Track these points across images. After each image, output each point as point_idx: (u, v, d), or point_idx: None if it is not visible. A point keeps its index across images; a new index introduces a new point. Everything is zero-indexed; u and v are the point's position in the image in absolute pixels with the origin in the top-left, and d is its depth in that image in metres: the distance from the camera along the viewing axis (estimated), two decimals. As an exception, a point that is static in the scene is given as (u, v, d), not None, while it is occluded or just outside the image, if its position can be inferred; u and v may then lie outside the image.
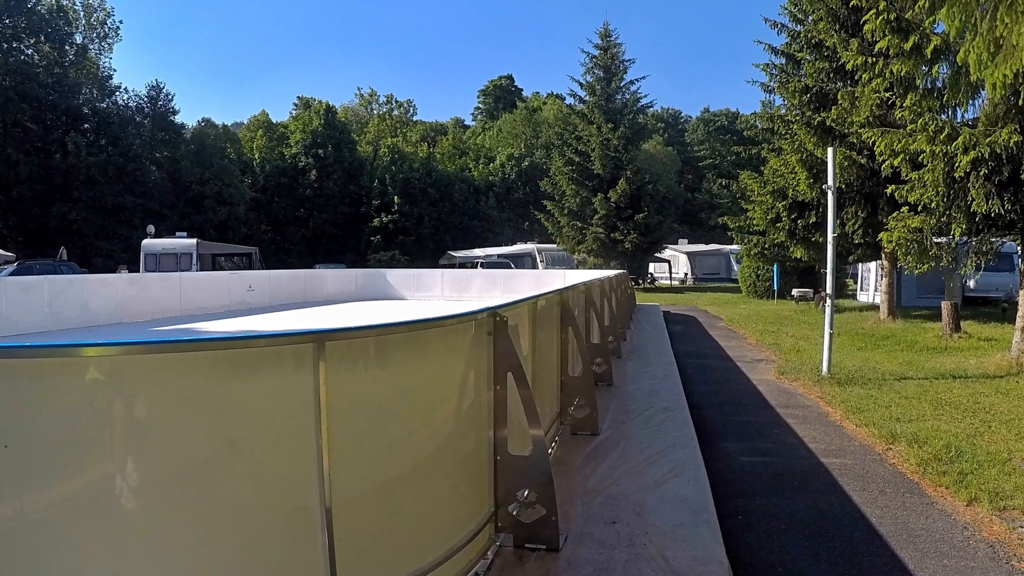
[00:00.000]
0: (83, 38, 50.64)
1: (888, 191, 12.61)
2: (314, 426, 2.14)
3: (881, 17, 9.96)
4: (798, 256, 20.44)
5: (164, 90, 54.06)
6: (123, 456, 1.85)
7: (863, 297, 25.40)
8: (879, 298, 18.67)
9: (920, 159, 10.82)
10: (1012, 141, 9.33)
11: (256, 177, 59.74)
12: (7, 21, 44.89)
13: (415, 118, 78.41)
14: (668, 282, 42.98)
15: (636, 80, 38.76)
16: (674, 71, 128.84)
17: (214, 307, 14.94)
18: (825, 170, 10.99)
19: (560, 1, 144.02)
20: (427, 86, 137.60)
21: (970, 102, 10.00)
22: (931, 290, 21.02)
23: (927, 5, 8.13)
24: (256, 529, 2.09)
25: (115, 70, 68.79)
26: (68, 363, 1.76)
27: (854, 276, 28.66)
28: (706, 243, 51.35)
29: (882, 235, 12.81)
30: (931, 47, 9.65)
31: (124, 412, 1.86)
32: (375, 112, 76.07)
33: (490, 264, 33.74)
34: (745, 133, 31.06)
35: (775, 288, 26.66)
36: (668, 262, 43.45)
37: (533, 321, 4.54)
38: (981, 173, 10.06)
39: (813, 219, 18.65)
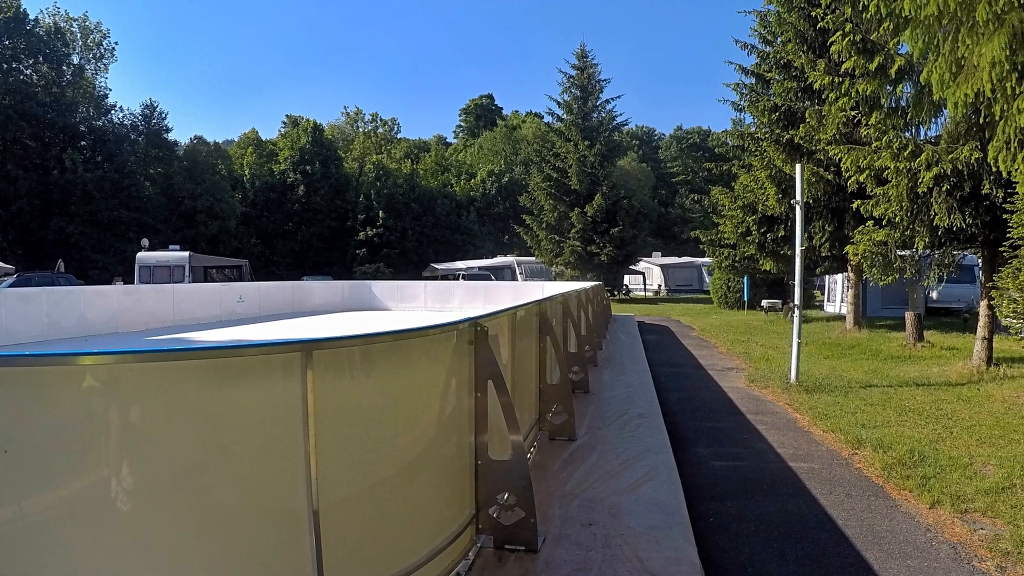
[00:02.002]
0: (80, 59, 51.89)
1: (854, 206, 12.89)
2: (302, 432, 2.18)
3: (847, 38, 10.17)
4: (767, 268, 20.83)
5: (158, 109, 55.32)
6: (118, 461, 1.88)
7: (830, 308, 25.84)
8: (845, 309, 19.06)
9: (885, 175, 11.05)
10: (973, 158, 9.57)
11: (246, 192, 60.96)
12: (7, 42, 46.02)
13: (399, 136, 79.37)
14: (642, 293, 43.33)
15: (612, 99, 39.71)
16: (648, 91, 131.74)
17: (206, 317, 15.05)
18: (793, 186, 11.24)
19: (539, 23, 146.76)
20: (411, 105, 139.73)
21: (933, 120, 10.15)
22: (895, 301, 21.46)
23: (891, 27, 8.28)
24: (246, 531, 2.13)
25: (111, 89, 71.10)
26: (65, 371, 1.80)
27: (821, 287, 29.16)
28: (679, 256, 51.89)
29: (848, 248, 13.11)
30: (895, 67, 9.84)
31: (119, 418, 1.89)
32: (361, 130, 76.86)
33: (471, 276, 33.89)
34: (716, 150, 31.59)
35: (745, 299, 27.11)
36: (643, 274, 43.86)
37: (513, 331, 4.61)
38: (943, 189, 10.31)
39: (782, 233, 19.00)
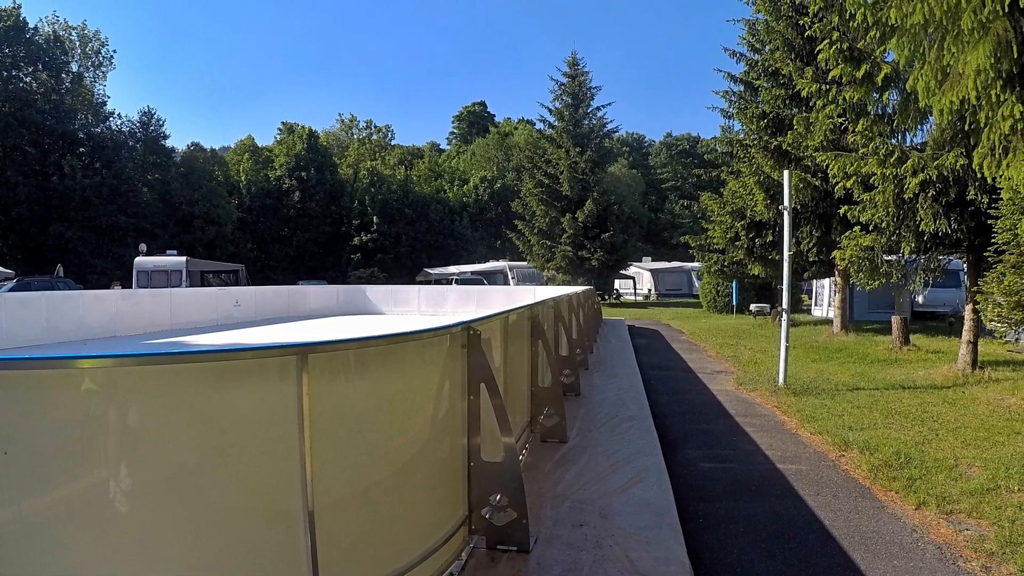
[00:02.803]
0: (79, 66, 52.39)
1: (841, 211, 13.00)
2: (297, 434, 2.21)
3: (834, 47, 10.24)
4: (756, 273, 20.98)
5: (155, 116, 55.62)
6: (116, 462, 1.89)
7: (817, 312, 25.99)
8: (832, 313, 19.22)
9: (871, 181, 11.15)
10: (958, 164, 9.68)
11: (242, 198, 61.62)
12: (7, 50, 46.45)
13: (393, 142, 79.94)
14: (633, 298, 43.45)
15: (602, 106, 39.94)
16: (638, 98, 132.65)
17: (203, 321, 15.18)
18: (781, 192, 11.34)
19: (531, 31, 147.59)
20: (404, 112, 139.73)
21: (918, 127, 10.24)
22: (882, 305, 21.64)
23: (878, 35, 8.36)
24: (242, 531, 2.15)
25: (109, 97, 71.77)
26: (64, 374, 1.81)
27: (809, 292, 29.37)
28: (669, 261, 52.05)
29: (835, 253, 13.22)
30: (882, 75, 9.91)
31: (117, 420, 1.91)
32: (355, 136, 77.44)
33: (464, 281, 34.04)
34: (706, 156, 31.87)
35: (734, 303, 27.26)
36: (633, 279, 43.99)
37: (505, 335, 4.65)
38: (929, 195, 10.42)
39: (770, 238, 19.14)
